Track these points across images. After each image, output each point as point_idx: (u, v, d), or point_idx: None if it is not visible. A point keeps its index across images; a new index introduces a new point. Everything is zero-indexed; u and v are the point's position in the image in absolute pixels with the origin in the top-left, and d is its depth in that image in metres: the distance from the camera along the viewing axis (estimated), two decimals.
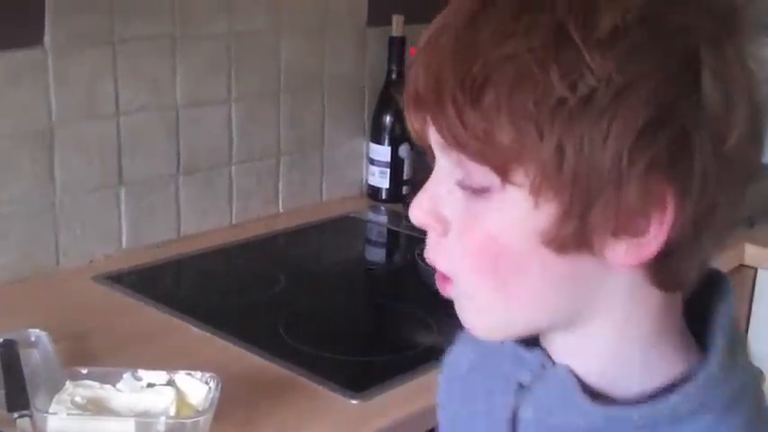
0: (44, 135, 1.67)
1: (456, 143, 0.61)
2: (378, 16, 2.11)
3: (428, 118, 0.63)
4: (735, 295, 0.70)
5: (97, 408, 1.19)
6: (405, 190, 2.11)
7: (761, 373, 0.71)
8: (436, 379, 0.87)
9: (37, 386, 1.27)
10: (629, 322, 0.66)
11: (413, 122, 0.65)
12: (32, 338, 1.42)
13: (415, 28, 1.84)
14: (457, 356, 0.84)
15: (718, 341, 0.66)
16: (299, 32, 2.02)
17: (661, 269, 0.63)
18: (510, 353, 0.71)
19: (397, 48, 2.09)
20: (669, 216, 0.60)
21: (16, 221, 1.66)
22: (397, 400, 1.32)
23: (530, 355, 0.70)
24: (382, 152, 2.13)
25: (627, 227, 0.61)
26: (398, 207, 2.06)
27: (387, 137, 2.11)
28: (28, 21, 1.62)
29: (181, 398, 1.21)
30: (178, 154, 1.86)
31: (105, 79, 1.73)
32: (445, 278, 0.67)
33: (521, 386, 0.70)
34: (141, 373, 1.25)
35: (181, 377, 1.24)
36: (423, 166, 0.76)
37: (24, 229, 1.68)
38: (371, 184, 2.16)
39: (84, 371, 1.26)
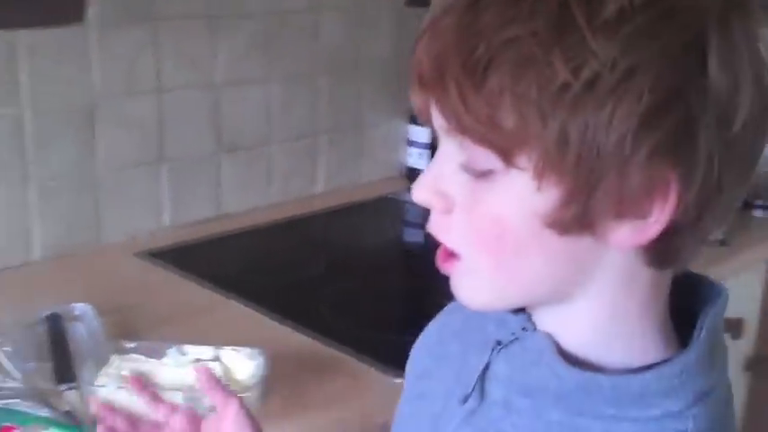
0: (87, 111, 1.68)
1: (459, 127, 0.61)
2: None
3: (431, 100, 0.63)
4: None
5: (144, 382, 1.20)
6: None
7: (730, 387, 0.71)
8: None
9: (83, 359, 1.28)
10: (618, 299, 0.66)
11: (417, 104, 0.65)
12: (77, 312, 1.42)
13: None
14: (438, 325, 0.85)
15: (702, 337, 0.66)
16: (338, 12, 2.01)
17: (660, 249, 0.63)
18: (494, 316, 0.72)
19: None
20: (672, 199, 0.60)
21: (59, 197, 1.67)
22: None
23: (513, 319, 0.70)
24: (421, 134, 2.12)
25: (630, 210, 0.60)
26: None
27: None
28: None
29: (227, 373, 1.21)
30: (219, 132, 1.87)
31: (147, 56, 1.73)
32: (448, 254, 0.68)
33: (498, 344, 0.71)
34: (187, 347, 1.25)
35: (227, 352, 1.24)
36: None
37: (67, 205, 1.68)
38: (410, 165, 2.15)
39: (131, 345, 1.26)
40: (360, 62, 2.06)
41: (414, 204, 0.68)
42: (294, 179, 2.02)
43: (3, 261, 1.62)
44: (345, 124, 2.07)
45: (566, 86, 0.57)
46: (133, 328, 1.41)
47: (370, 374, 1.32)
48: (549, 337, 0.68)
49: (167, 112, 1.78)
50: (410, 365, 0.86)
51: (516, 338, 0.70)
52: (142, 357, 1.24)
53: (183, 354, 1.25)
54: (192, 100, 1.81)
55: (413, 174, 2.14)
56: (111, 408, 0.97)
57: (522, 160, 0.60)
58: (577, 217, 0.60)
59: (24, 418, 1.11)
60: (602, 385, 0.65)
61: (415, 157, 2.14)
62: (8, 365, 1.24)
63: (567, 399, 0.66)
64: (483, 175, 0.63)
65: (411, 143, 2.15)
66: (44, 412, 1.14)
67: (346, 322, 1.48)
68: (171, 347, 1.25)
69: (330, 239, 1.90)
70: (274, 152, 1.97)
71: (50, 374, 1.25)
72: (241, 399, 0.95)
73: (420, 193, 0.66)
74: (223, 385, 0.94)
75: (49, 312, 1.40)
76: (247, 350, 1.24)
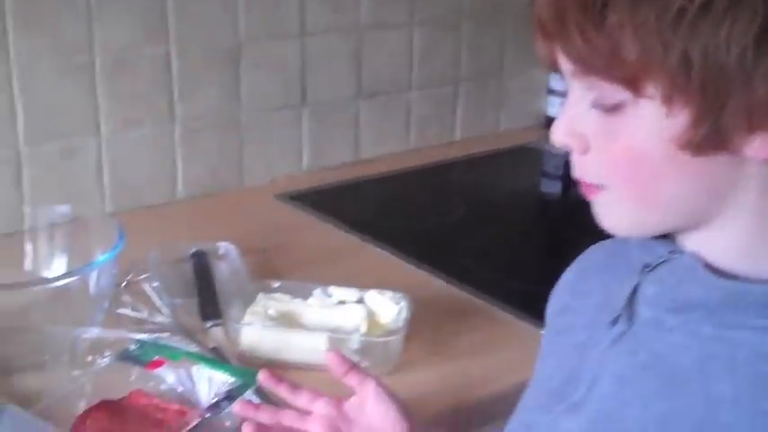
0: (231, 52, 1.69)
1: (585, 66, 0.64)
2: None
3: (556, 46, 0.66)
4: None
5: (289, 321, 1.20)
6: None
7: None
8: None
9: (228, 297, 1.29)
10: (760, 212, 0.66)
11: (543, 52, 0.68)
12: (221, 251, 1.44)
13: None
14: (577, 266, 0.87)
15: None
16: None
17: None
18: (638, 244, 0.73)
19: None
20: None
21: (203, 137, 1.69)
22: None
23: (659, 244, 0.71)
24: (561, 82, 2.07)
25: (761, 121, 0.62)
26: None
27: None
28: None
29: (371, 316, 1.20)
30: (359, 77, 1.86)
31: None
32: (591, 187, 0.71)
33: (646, 266, 0.72)
34: (332, 289, 1.26)
35: (371, 295, 1.23)
36: None
37: (211, 145, 1.70)
38: (549, 114, 2.11)
39: (276, 284, 1.27)
40: (504, 6, 2.02)
41: (552, 155, 0.70)
42: (432, 126, 2.00)
43: (148, 198, 1.65)
44: (486, 71, 2.04)
45: (682, 11, 0.59)
46: (274, 269, 1.42)
47: (512, 324, 1.30)
48: (696, 255, 0.69)
49: (310, 55, 1.77)
50: (550, 305, 0.88)
51: (664, 261, 0.71)
52: (287, 297, 1.24)
53: (328, 295, 1.25)
54: (335, 44, 1.81)
55: (552, 123, 2.09)
56: (254, 405, 0.99)
57: (649, 89, 0.62)
58: (709, 136, 0.62)
59: (174, 353, 1.13)
60: (753, 294, 0.66)
61: (554, 107, 2.09)
62: (156, 301, 1.26)
63: (719, 312, 0.67)
64: (613, 109, 0.65)
65: (551, 92, 2.10)
66: (193, 348, 1.15)
67: (486, 270, 1.46)
68: (316, 288, 1.25)
69: (467, 187, 1.88)
70: (414, 98, 1.95)
71: (196, 311, 1.27)
72: (377, 377, 0.95)
73: (557, 137, 0.70)
74: (357, 366, 0.95)
75: (194, 249, 1.42)
76: (391, 293, 1.23)
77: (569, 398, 0.76)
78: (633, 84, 0.63)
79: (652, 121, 0.64)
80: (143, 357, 1.12)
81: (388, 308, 1.22)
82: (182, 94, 1.64)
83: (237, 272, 1.37)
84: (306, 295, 1.25)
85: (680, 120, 0.63)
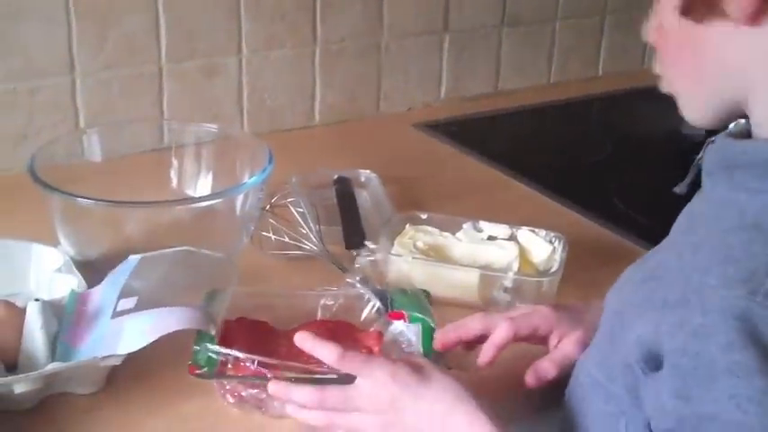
0: None
1: None
2: None
3: None
4: None
5: (439, 255, 1.16)
6: None
7: None
8: None
9: (372, 226, 1.26)
10: None
11: None
12: (362, 179, 1.41)
13: None
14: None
15: None
16: None
17: None
18: None
19: None
20: None
21: (343, 61, 1.65)
22: None
23: None
24: None
25: None
26: None
27: None
28: None
29: (523, 254, 1.16)
30: (504, 4, 1.79)
31: None
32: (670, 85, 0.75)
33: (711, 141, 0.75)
34: (482, 224, 1.21)
35: (524, 233, 1.18)
36: None
37: (350, 70, 1.66)
38: None
39: (424, 216, 1.23)
40: None
41: None
42: (574, 59, 1.92)
43: (285, 121, 1.63)
44: (633, 4, 1.95)
45: None
46: (416, 200, 1.38)
47: None
48: (746, 126, 0.72)
49: None
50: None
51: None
52: (436, 230, 1.20)
53: (479, 230, 1.20)
54: None
55: None
56: None
57: None
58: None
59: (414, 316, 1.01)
60: (747, 155, 0.69)
61: None
62: (302, 226, 1.23)
63: (728, 172, 0.71)
64: None
65: None
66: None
67: (639, 213, 1.39)
68: (466, 222, 1.21)
69: (612, 125, 1.81)
70: (557, 30, 1.87)
71: (340, 238, 1.24)
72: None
73: (649, 34, 0.75)
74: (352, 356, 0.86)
75: (337, 176, 1.38)
76: (545, 232, 1.18)
77: None
78: None
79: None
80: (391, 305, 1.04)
81: (541, 247, 1.17)
82: (324, 15, 1.60)
83: (380, 201, 1.34)
84: (455, 229, 1.21)
85: None
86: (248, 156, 1.23)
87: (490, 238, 1.19)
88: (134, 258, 1.00)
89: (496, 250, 1.16)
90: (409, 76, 1.73)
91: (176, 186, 1.28)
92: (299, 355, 0.89)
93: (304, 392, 0.85)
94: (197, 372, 0.90)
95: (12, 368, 0.94)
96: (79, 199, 1.06)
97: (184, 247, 1.00)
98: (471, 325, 0.95)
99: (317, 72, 1.63)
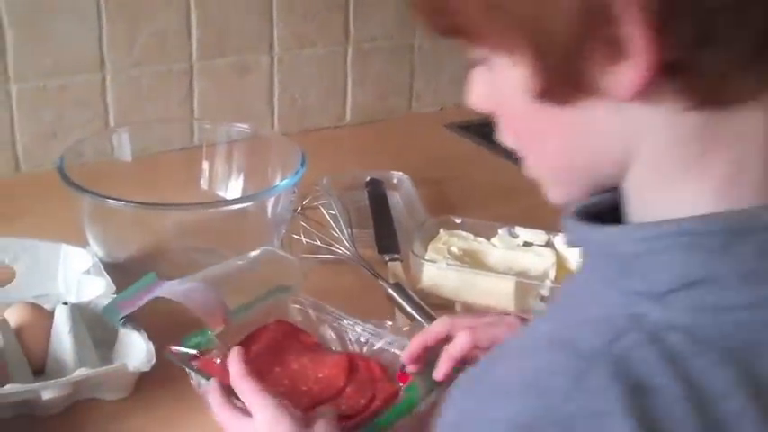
0: None
1: (437, 29, 0.57)
2: None
3: None
4: None
5: (473, 261, 1.14)
6: None
7: None
8: None
9: (405, 230, 1.23)
10: (662, 158, 0.54)
11: None
12: (394, 180, 1.38)
13: None
14: None
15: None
16: None
17: (690, 83, 0.50)
18: None
19: None
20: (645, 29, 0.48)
21: (375, 60, 1.63)
22: None
23: None
24: None
25: (607, 54, 0.49)
26: None
27: None
28: None
29: (560, 261, 1.13)
30: None
31: None
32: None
33: None
34: (518, 230, 1.18)
35: (561, 239, 1.16)
36: None
37: (381, 69, 1.64)
38: None
39: (458, 220, 1.20)
40: None
41: None
42: None
43: (316, 121, 1.61)
44: None
45: None
46: (450, 204, 1.36)
47: None
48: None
49: None
50: None
51: None
52: (470, 236, 1.18)
53: (514, 236, 1.18)
54: None
55: None
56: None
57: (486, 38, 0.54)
58: (557, 81, 0.52)
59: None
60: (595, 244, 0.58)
61: None
62: (334, 229, 1.21)
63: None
64: (485, 65, 0.57)
65: None
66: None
67: None
68: (501, 228, 1.18)
69: None
70: None
71: (372, 242, 1.21)
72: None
73: (471, 101, 0.61)
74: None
75: (369, 178, 1.36)
76: None
77: None
78: (462, 33, 0.54)
79: (505, 74, 0.55)
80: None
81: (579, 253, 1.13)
82: (356, 14, 1.58)
83: (413, 204, 1.31)
84: (490, 234, 1.18)
85: (523, 68, 0.53)
86: (280, 156, 1.21)
87: (526, 244, 1.17)
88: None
89: (533, 257, 1.14)
90: (441, 76, 1.70)
91: (206, 187, 1.26)
92: (306, 373, 0.91)
93: (213, 397, 0.83)
94: (172, 348, 0.91)
95: (39, 372, 0.93)
96: (109, 200, 1.04)
97: (266, 248, 1.03)
98: (433, 328, 0.91)
99: (348, 71, 1.61)
